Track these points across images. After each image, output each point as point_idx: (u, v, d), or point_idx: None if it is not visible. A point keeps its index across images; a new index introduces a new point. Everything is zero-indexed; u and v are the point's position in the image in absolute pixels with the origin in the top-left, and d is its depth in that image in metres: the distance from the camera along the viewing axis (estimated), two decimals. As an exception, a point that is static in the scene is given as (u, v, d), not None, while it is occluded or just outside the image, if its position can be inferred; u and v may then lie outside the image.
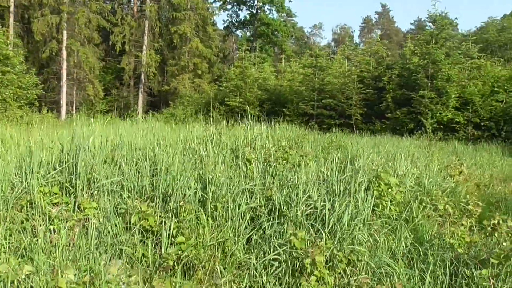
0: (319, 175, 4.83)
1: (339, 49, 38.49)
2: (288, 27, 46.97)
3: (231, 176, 4.26)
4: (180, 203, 3.55)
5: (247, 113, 27.09)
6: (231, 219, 3.56)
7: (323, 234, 3.62)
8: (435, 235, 4.24)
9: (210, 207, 3.68)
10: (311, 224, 3.75)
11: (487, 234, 4.48)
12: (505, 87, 19.34)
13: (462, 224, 4.05)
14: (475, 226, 4.88)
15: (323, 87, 24.59)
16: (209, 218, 3.50)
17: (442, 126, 18.96)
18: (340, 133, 21.96)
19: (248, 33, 50.30)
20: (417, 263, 3.69)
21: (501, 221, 4.81)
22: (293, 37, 71.74)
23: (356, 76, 23.40)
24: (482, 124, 18.80)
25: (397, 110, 20.95)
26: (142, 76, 39.81)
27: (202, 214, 3.44)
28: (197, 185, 3.97)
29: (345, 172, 4.95)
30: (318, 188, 4.26)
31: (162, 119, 35.69)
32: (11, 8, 32.16)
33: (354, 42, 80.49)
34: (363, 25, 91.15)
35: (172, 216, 3.46)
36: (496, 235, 4.31)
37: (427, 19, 20.83)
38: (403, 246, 3.97)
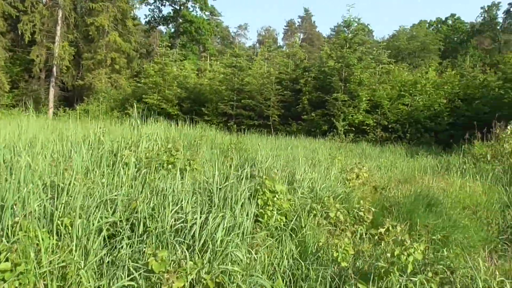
0: (200, 182, 4.41)
1: (259, 50, 38.74)
2: (212, 25, 46.43)
3: (92, 183, 3.67)
4: (16, 219, 2.91)
5: (165, 112, 26.30)
6: (79, 238, 2.98)
7: (194, 252, 3.20)
8: (321, 247, 4.00)
9: (57, 222, 3.07)
10: (181, 240, 3.30)
11: (375, 243, 4.35)
12: (410, 91, 20.48)
13: (347, 235, 3.84)
14: (365, 234, 4.77)
15: (242, 87, 24.42)
16: (52, 237, 2.90)
17: (353, 128, 19.61)
18: (257, 134, 22.01)
19: (172, 30, 49.02)
20: (298, 280, 3.41)
21: (390, 228, 4.72)
22: (218, 36, 71.46)
23: (275, 77, 23.52)
24: (390, 126, 19.74)
25: (312, 112, 21.32)
26: (54, 69, 36.99)
27: (41, 232, 2.81)
28: (46, 195, 3.34)
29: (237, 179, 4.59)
30: (195, 198, 3.81)
31: (74, 116, 33.48)
32: None
33: (278, 44, 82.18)
34: (286, 28, 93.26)
35: (4, 235, 2.81)
36: (383, 244, 4.17)
37: (342, 24, 21.47)
38: (286, 261, 3.68)
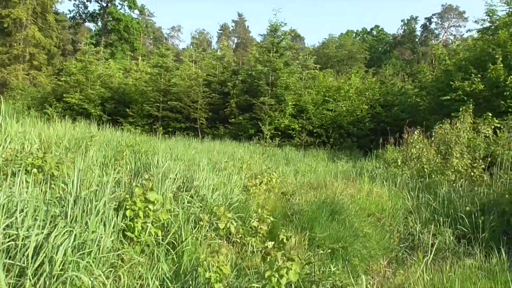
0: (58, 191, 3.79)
1: (187, 50, 37.94)
2: (141, 24, 44.92)
3: None
4: None
5: (87, 112, 24.67)
6: None
7: (26, 277, 2.61)
8: (200, 264, 3.54)
9: None
10: (11, 263, 2.70)
11: (263, 258, 3.97)
12: (334, 97, 20.87)
13: (221, 252, 3.42)
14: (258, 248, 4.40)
15: (169, 88, 23.60)
16: None
17: (279, 133, 19.56)
18: (182, 137, 21.33)
19: (96, 27, 46.86)
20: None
21: (285, 240, 4.39)
22: (149, 36, 69.48)
23: (203, 79, 22.95)
24: (314, 131, 19.95)
25: (240, 115, 21.04)
26: (-40, 63, 33.81)
27: None
28: None
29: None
30: (44, 211, 3.19)
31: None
32: None
33: (212, 47, 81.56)
34: (220, 32, 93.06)
35: None
36: (268, 259, 3.79)
37: (268, 28, 21.40)
38: (152, 283, 3.17)
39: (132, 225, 3.54)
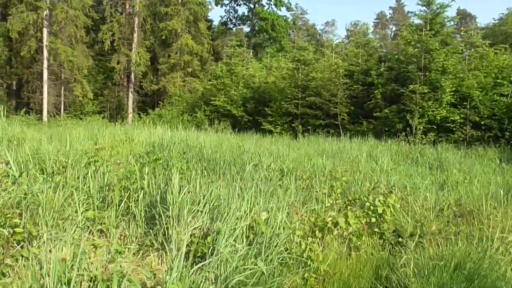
0: None
1: (327, 41, 35.64)
2: (287, 22, 44.29)
3: None
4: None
5: (231, 114, 24.79)
6: None
7: None
8: None
9: None
10: None
11: None
12: (511, 78, 16.33)
13: None
14: None
15: (307, 83, 21.97)
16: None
17: (434, 126, 16.11)
18: (322, 135, 19.45)
19: (248, 29, 47.98)
20: None
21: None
22: (303, 33, 69.13)
23: (344, 70, 20.67)
24: (482, 123, 15.85)
25: (386, 108, 18.20)
26: (132, 75, 37.88)
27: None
28: None
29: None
30: None
31: (147, 121, 33.75)
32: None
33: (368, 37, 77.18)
34: (376, 21, 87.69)
35: None
36: None
37: (420, 3, 17.89)
38: None
39: None
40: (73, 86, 34.69)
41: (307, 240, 3.68)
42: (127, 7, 39.51)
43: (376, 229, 4.35)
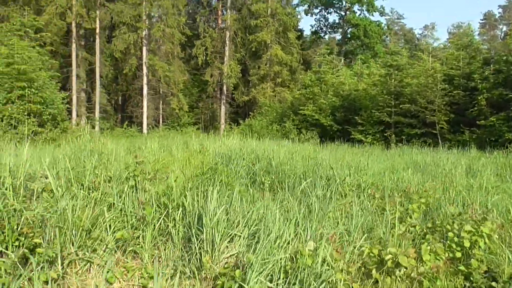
0: None
1: (423, 44, 32.97)
2: (381, 27, 42.29)
3: None
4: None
5: (319, 123, 24.08)
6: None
7: None
8: None
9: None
10: None
11: None
12: None
13: None
14: None
15: (401, 90, 20.46)
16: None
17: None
18: (418, 146, 17.87)
19: (339, 37, 46.79)
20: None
21: None
22: (401, 39, 65.85)
23: (442, 74, 18.83)
24: None
25: (492, 115, 16.11)
26: (224, 88, 38.99)
27: None
28: None
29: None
30: None
31: (237, 131, 34.31)
32: (97, 30, 33.51)
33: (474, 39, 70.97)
34: (483, 21, 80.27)
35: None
36: None
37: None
38: None
39: None
40: (170, 99, 36.65)
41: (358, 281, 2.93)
42: (219, 22, 40.89)
43: (462, 267, 3.38)
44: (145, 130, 34.71)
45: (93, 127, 33.48)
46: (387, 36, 45.35)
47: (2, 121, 13.08)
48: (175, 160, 7.77)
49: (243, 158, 7.29)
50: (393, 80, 20.79)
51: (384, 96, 21.02)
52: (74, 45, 32.71)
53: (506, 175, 8.30)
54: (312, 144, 21.71)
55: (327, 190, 5.92)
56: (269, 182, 6.14)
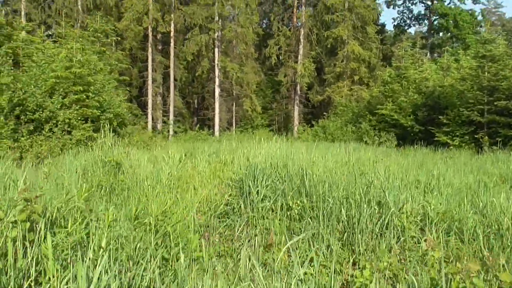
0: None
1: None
2: (474, 16, 37.87)
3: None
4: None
5: (398, 123, 21.67)
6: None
7: None
8: None
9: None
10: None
11: None
12: None
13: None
14: None
15: (496, 84, 17.47)
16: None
17: None
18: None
19: (425, 29, 42.94)
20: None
21: None
22: (499, 32, 59.32)
23: (549, 64, 15.66)
24: None
25: None
26: (298, 87, 37.49)
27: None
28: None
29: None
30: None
31: (311, 133, 32.55)
32: (172, 33, 33.87)
33: None
34: None
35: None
36: None
37: None
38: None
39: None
40: (243, 101, 35.95)
41: None
42: (294, 20, 39.40)
43: None
44: (217, 133, 34.36)
45: (168, 131, 33.91)
46: (481, 27, 40.57)
47: (56, 126, 12.89)
48: (194, 175, 6.56)
49: (278, 172, 5.83)
50: (486, 73, 17.81)
51: (475, 92, 18.11)
52: (150, 50, 33.32)
53: None
54: (388, 147, 19.43)
55: (377, 221, 4.26)
56: (299, 208, 4.63)
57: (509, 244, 3.76)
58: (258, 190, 4.97)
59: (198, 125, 34.73)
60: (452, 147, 17.72)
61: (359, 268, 3.92)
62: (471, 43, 37.79)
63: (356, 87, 34.82)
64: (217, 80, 34.34)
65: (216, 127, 34.58)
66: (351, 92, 34.68)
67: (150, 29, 32.48)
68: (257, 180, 5.11)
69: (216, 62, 34.03)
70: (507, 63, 17.51)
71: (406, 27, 42.83)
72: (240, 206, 5.13)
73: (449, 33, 39.12)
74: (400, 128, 22.49)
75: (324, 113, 34.28)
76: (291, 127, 38.59)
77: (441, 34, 40.32)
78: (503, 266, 3.55)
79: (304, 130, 33.87)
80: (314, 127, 32.58)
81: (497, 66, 17.64)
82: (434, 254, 2.84)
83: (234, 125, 38.42)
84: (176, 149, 10.92)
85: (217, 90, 34.46)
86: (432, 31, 40.19)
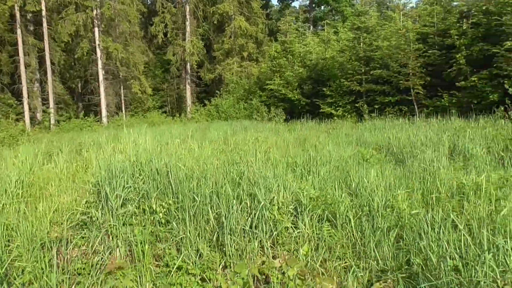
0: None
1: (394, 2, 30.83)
2: (350, -12, 39.82)
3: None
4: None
5: (286, 98, 21.85)
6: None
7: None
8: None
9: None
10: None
11: None
12: None
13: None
14: None
15: (371, 54, 18.42)
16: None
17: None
18: (391, 116, 16.05)
19: (307, 2, 44.14)
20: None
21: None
22: (371, 3, 63.26)
23: (415, 33, 16.79)
24: None
25: (473, 75, 14.25)
26: (188, 66, 36.29)
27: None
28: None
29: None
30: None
31: (204, 112, 31.88)
32: (43, 12, 30.28)
33: None
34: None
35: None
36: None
37: None
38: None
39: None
40: (131, 83, 33.82)
41: None
42: (179, -5, 37.83)
43: None
44: (104, 119, 32.04)
45: (49, 121, 30.80)
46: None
47: None
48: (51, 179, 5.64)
49: (143, 169, 5.17)
50: (361, 44, 18.71)
51: (353, 63, 18.98)
52: (19, 31, 29.52)
53: (506, 156, 6.33)
54: (277, 122, 19.66)
55: (248, 217, 3.89)
56: (164, 210, 4.07)
57: (379, 226, 3.63)
58: (116, 193, 4.30)
59: (83, 112, 32.03)
60: (336, 118, 18.47)
61: (231, 271, 3.55)
62: (348, 16, 39.87)
63: (246, 63, 34.79)
64: (99, 62, 31.75)
65: (104, 113, 32.19)
66: (241, 68, 34.57)
67: (16, 7, 28.71)
68: (116, 182, 4.43)
69: (97, 42, 31.37)
70: (379, 34, 18.53)
71: (290, 1, 43.68)
72: (99, 214, 4.43)
73: (329, 6, 40.74)
74: (288, 103, 22.89)
75: (217, 91, 33.76)
76: (184, 107, 37.52)
77: (322, 7, 41.80)
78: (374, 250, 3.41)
79: (197, 110, 33.07)
80: (207, 106, 32.00)
81: (371, 37, 18.61)
82: (289, 272, 2.51)
83: (124, 109, 36.11)
84: (45, 145, 9.65)
85: (100, 73, 31.90)
86: (313, 5, 41.52)
